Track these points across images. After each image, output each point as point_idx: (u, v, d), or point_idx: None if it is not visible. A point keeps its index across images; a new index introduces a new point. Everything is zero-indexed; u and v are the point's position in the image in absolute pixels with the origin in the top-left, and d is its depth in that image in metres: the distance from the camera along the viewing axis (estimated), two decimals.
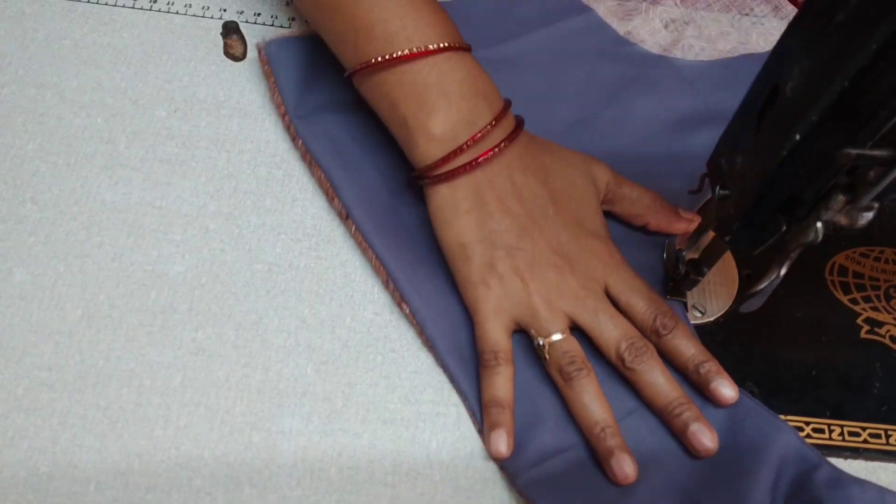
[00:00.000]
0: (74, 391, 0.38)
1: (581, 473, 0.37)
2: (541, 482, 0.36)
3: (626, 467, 0.36)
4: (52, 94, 0.47)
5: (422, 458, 0.37)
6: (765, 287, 0.33)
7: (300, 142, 0.45)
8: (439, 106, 0.39)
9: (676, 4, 0.53)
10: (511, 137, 0.40)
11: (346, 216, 0.43)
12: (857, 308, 0.43)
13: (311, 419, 0.38)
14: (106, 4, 0.51)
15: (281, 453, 0.37)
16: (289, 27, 0.51)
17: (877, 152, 0.26)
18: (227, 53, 0.49)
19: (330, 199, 0.44)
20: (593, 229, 0.41)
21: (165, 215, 0.43)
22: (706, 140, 0.39)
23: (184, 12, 0.51)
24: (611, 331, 0.38)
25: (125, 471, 0.36)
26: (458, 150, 0.39)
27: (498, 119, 0.40)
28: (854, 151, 0.26)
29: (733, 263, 0.43)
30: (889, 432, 0.39)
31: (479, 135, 0.39)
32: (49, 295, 0.40)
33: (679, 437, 0.37)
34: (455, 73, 0.40)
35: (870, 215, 0.29)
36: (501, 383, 0.38)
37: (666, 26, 0.52)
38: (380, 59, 0.39)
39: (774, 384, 0.40)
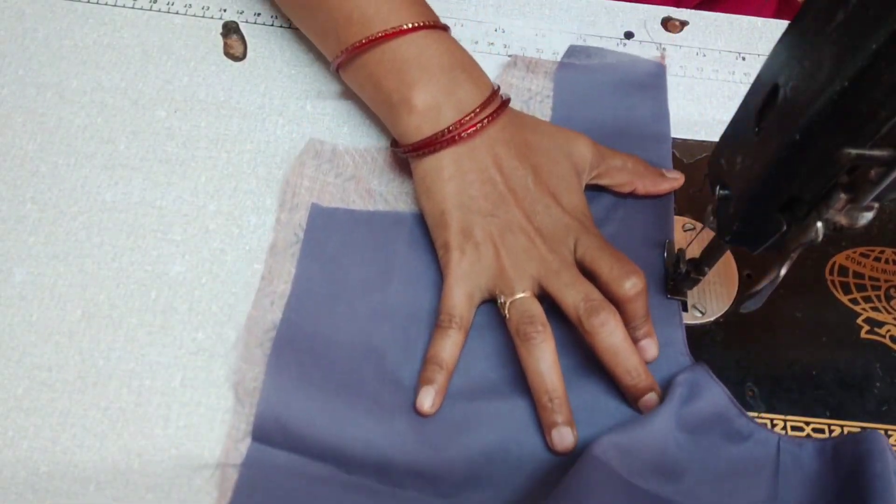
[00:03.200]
0: (74, 391, 0.38)
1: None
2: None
3: (566, 441, 0.36)
4: (52, 94, 0.47)
5: None
6: (765, 287, 0.33)
7: None
8: (419, 79, 0.41)
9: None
10: (495, 115, 0.41)
11: None
12: (857, 308, 0.42)
13: None
14: (106, 4, 0.51)
15: None
16: (288, 27, 0.51)
17: (876, 152, 0.26)
18: (227, 53, 0.49)
19: None
20: (570, 206, 0.42)
21: (165, 215, 0.43)
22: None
23: (184, 12, 0.51)
24: (572, 292, 0.38)
25: (125, 471, 0.36)
26: (444, 132, 0.41)
27: (485, 103, 0.41)
28: (854, 151, 0.26)
29: (733, 263, 0.43)
30: (889, 432, 0.39)
31: (465, 118, 0.41)
32: (49, 295, 0.40)
33: (632, 403, 0.38)
34: (432, 48, 0.42)
35: (870, 215, 0.29)
36: (448, 346, 0.38)
37: None
38: (360, 42, 0.42)
39: (774, 384, 0.40)
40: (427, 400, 0.37)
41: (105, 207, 0.43)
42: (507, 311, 0.39)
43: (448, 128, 0.40)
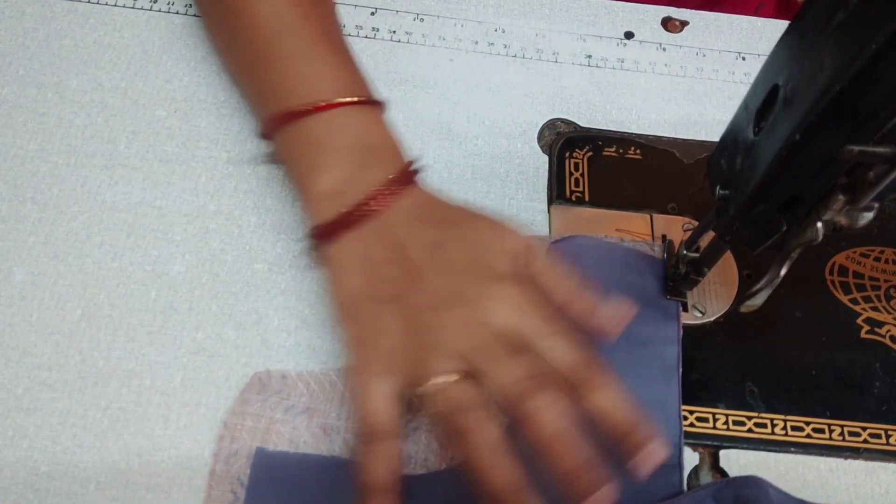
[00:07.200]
0: (74, 391, 0.38)
1: None
2: None
3: None
4: (53, 93, 0.47)
5: None
6: (765, 287, 0.33)
7: None
8: (325, 163, 0.38)
9: None
10: (397, 190, 0.37)
11: None
12: (857, 308, 0.42)
13: None
14: (106, 4, 0.51)
15: None
16: None
17: (879, 149, 0.26)
18: None
19: None
20: (501, 270, 0.35)
21: (165, 215, 0.43)
22: None
23: (184, 12, 0.51)
24: (504, 372, 0.32)
25: (125, 471, 0.36)
26: (349, 211, 0.37)
27: (394, 179, 0.37)
28: (857, 148, 0.26)
29: (733, 263, 0.43)
30: (889, 432, 0.39)
31: (369, 196, 0.37)
32: (49, 295, 0.40)
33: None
34: (347, 129, 0.38)
35: (870, 215, 0.29)
36: (382, 467, 0.32)
37: None
38: (276, 114, 0.39)
39: (774, 384, 0.40)
40: None
41: (105, 207, 0.43)
42: (432, 405, 0.33)
43: (348, 211, 0.37)
